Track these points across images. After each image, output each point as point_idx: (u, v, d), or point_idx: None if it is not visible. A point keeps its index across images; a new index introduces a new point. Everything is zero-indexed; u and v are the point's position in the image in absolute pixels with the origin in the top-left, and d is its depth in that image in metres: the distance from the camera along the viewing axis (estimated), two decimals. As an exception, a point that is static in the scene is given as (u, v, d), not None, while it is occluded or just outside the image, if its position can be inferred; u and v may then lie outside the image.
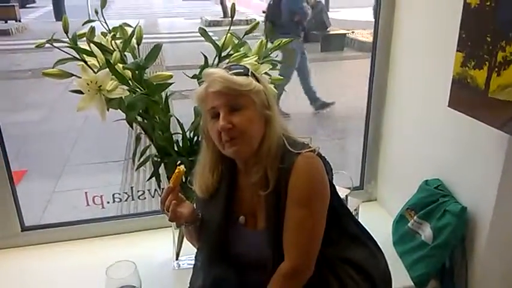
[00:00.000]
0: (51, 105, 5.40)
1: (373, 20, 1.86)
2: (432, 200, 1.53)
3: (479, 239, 1.42)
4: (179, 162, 1.37)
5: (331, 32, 9.44)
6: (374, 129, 1.99)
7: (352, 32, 9.37)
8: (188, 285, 1.30)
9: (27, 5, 15.79)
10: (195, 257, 1.30)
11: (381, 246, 1.32)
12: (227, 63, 1.34)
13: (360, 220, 1.68)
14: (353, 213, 1.71)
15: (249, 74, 1.10)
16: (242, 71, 1.10)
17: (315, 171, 1.09)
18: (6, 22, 12.24)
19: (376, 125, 1.98)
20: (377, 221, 1.86)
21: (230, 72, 1.08)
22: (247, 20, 11.67)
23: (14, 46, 9.06)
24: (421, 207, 1.56)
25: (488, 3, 1.09)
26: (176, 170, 1.17)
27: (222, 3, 12.47)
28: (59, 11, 12.41)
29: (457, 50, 1.22)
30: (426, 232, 1.52)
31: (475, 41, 1.15)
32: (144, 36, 1.36)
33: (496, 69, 1.08)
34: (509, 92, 1.06)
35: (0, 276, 1.61)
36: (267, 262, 1.12)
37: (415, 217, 1.59)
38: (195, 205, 1.26)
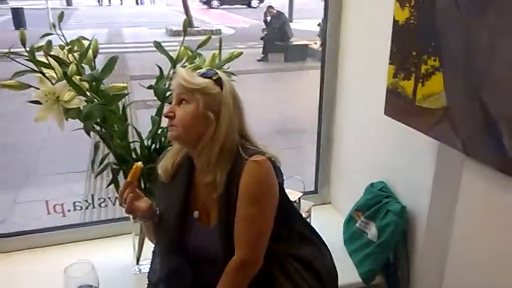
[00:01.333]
0: (11, 116, 5.30)
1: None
2: (377, 201, 1.64)
3: (418, 234, 1.54)
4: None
5: (294, 43, 9.71)
6: (325, 136, 2.10)
7: (315, 43, 9.63)
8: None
9: (-15, 14, 15.31)
10: (152, 251, 1.37)
11: (334, 246, 1.42)
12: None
13: (314, 222, 1.79)
14: (305, 215, 1.82)
15: (212, 77, 1.19)
16: (208, 74, 1.20)
17: (263, 173, 1.18)
18: (-38, 31, 11.82)
19: (327, 132, 2.09)
20: (330, 222, 1.97)
21: (197, 72, 1.21)
22: (212, 30, 11.81)
23: (-29, 56, 8.79)
24: (367, 208, 1.67)
25: (412, 22, 1.22)
26: (134, 166, 1.24)
27: (187, 14, 12.55)
28: (18, 20, 12.14)
29: (390, 63, 1.35)
30: (372, 231, 1.63)
31: (403, 54, 1.28)
32: (108, 46, 1.43)
33: (421, 80, 1.21)
34: (432, 101, 1.19)
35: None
36: (219, 257, 1.20)
37: (362, 217, 1.69)
38: (154, 204, 1.32)
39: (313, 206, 1.94)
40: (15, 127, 5.16)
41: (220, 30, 12.38)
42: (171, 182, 1.29)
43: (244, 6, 18.63)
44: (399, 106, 1.32)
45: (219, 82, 1.19)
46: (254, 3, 18.65)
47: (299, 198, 1.81)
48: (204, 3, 18.82)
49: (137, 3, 22.60)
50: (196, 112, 1.16)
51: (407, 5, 1.23)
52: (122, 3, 21.94)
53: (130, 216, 1.50)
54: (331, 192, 2.20)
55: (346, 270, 1.65)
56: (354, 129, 1.94)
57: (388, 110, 1.40)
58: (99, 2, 21.00)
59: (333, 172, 2.16)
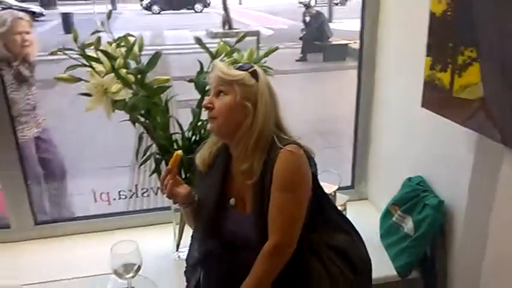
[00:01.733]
0: (60, 113, 5.57)
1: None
2: (414, 195, 1.63)
3: (456, 229, 1.53)
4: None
5: (333, 42, 9.64)
6: (363, 131, 2.11)
7: (355, 42, 9.50)
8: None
9: (36, 19, 16.14)
10: (191, 236, 1.43)
11: (370, 240, 1.45)
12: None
13: (350, 217, 1.80)
14: (340, 209, 1.83)
15: (248, 70, 1.24)
16: (244, 67, 1.26)
17: (297, 161, 1.22)
18: (16, 35, 12.51)
19: (365, 127, 2.10)
20: (367, 217, 1.97)
21: (233, 66, 1.26)
22: (250, 32, 11.94)
23: (24, 58, 9.28)
24: (404, 202, 1.67)
25: (449, 13, 1.22)
26: (174, 154, 1.32)
27: (227, 15, 12.73)
28: (67, 24, 12.72)
29: (426, 55, 1.35)
30: (408, 225, 1.62)
31: (440, 46, 1.28)
32: (150, 47, 1.51)
33: (458, 71, 1.21)
34: (469, 91, 1.19)
35: (14, 267, 1.74)
36: (253, 243, 1.24)
37: (398, 211, 1.69)
38: (193, 191, 1.38)
39: (350, 201, 1.95)
40: (62, 123, 5.43)
41: (258, 31, 12.47)
42: (209, 171, 1.36)
43: (190, 11, 17.75)
44: (436, 98, 1.33)
45: (254, 74, 1.24)
46: (198, 7, 17.98)
47: (334, 192, 1.83)
48: (145, 8, 17.85)
49: (179, 7, 23.00)
50: (234, 102, 1.21)
51: (445, -4, 1.24)
52: (163, 7, 22.39)
53: (171, 202, 1.58)
54: (368, 188, 2.20)
55: (382, 264, 1.66)
56: (392, 125, 1.94)
57: (425, 102, 1.40)
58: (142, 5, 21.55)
59: (370, 168, 2.16)
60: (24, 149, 2.27)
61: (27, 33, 2.37)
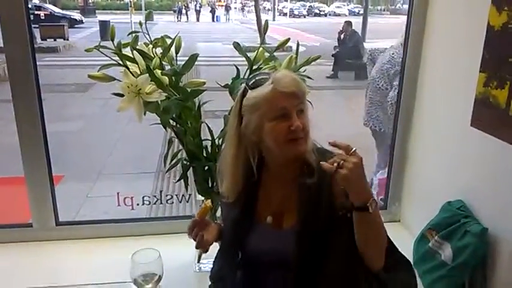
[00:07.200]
0: (91, 117, 5.67)
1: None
2: (454, 221, 1.53)
3: (501, 260, 1.41)
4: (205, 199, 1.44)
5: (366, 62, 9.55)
6: (399, 150, 2.01)
7: (388, 62, 9.38)
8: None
9: (76, 25, 16.72)
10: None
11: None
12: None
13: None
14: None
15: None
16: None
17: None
18: (55, 40, 12.97)
19: (402, 147, 2.00)
20: (399, 241, 1.83)
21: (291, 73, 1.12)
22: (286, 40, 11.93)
23: (61, 62, 9.59)
24: (442, 228, 1.57)
25: (510, 26, 1.13)
26: (203, 205, 1.24)
27: (260, 30, 12.80)
28: (104, 31, 13.07)
29: (480, 71, 1.26)
30: (446, 252, 1.52)
31: (497, 61, 1.19)
32: (182, 58, 1.45)
33: (517, 88, 1.12)
34: (528, 111, 1.09)
35: (34, 266, 1.72)
36: (291, 261, 1.13)
37: (436, 237, 1.59)
38: (220, 210, 1.32)
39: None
40: (91, 127, 5.52)
41: (291, 47, 12.48)
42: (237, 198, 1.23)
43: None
44: (489, 117, 1.23)
45: None
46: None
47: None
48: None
49: (213, 21, 23.44)
50: None
51: (506, 8, 1.15)
52: (198, 20, 22.87)
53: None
54: (402, 210, 2.09)
55: (416, 292, 1.55)
56: (433, 144, 1.83)
57: (475, 121, 1.31)
58: (177, 18, 22.08)
59: (405, 188, 2.06)
60: None
61: None
